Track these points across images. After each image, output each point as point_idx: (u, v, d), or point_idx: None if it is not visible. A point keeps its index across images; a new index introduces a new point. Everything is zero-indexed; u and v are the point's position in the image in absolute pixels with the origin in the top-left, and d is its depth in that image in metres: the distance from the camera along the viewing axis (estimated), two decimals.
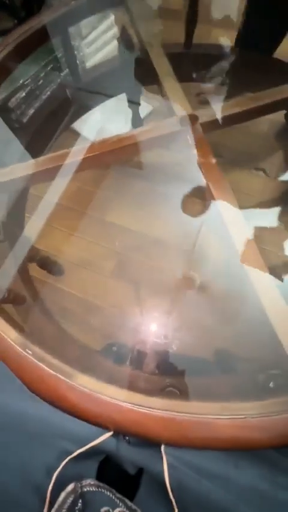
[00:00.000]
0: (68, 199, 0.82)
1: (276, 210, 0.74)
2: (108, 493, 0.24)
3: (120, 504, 0.23)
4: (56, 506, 0.22)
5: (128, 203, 0.83)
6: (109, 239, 0.79)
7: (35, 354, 0.30)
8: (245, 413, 0.26)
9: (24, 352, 0.30)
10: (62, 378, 0.29)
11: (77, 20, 0.64)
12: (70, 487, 0.23)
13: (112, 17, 0.78)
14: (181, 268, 0.69)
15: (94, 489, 0.24)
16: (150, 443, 0.26)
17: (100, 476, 0.26)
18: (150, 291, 0.70)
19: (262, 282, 0.37)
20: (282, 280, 0.40)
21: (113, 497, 0.23)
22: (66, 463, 0.25)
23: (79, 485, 0.23)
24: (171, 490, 0.23)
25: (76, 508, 0.22)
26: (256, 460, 0.25)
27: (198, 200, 0.75)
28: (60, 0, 0.81)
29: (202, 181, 0.46)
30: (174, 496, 0.23)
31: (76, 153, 0.44)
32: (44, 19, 0.55)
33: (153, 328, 0.62)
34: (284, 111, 0.55)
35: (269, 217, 0.72)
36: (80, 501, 0.22)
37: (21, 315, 0.47)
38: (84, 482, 0.24)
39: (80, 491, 0.23)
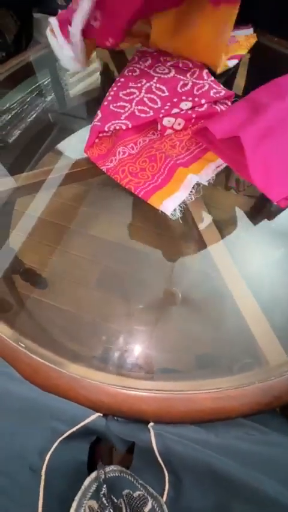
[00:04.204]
0: (52, 214, 0.85)
1: (246, 223, 0.81)
2: (130, 478, 0.25)
3: (141, 489, 0.24)
4: (80, 492, 0.23)
5: (111, 218, 0.87)
6: (93, 252, 0.82)
7: (28, 347, 0.33)
8: (219, 386, 0.30)
9: (17, 346, 0.32)
10: (54, 367, 0.31)
11: None
12: (93, 474, 0.24)
13: (94, 53, 0.87)
14: (164, 281, 0.73)
15: (117, 474, 0.25)
16: (138, 421, 0.29)
17: (91, 456, 0.28)
18: (135, 302, 0.73)
19: (239, 291, 0.42)
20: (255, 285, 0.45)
21: (135, 483, 0.24)
22: (58, 442, 0.26)
23: (102, 471, 0.24)
24: (160, 455, 0.26)
25: (101, 493, 0.22)
26: (233, 428, 0.29)
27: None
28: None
29: None
30: (163, 460, 0.25)
31: (59, 170, 0.49)
32: (31, 55, 0.62)
33: (139, 338, 0.64)
34: None
35: (241, 228, 0.79)
36: (105, 486, 0.23)
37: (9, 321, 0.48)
38: (108, 469, 0.25)
39: (103, 477, 0.24)
